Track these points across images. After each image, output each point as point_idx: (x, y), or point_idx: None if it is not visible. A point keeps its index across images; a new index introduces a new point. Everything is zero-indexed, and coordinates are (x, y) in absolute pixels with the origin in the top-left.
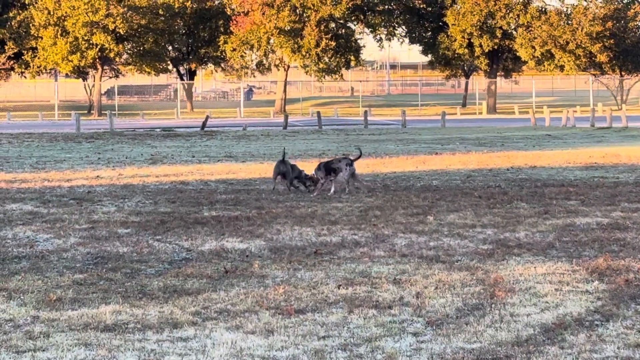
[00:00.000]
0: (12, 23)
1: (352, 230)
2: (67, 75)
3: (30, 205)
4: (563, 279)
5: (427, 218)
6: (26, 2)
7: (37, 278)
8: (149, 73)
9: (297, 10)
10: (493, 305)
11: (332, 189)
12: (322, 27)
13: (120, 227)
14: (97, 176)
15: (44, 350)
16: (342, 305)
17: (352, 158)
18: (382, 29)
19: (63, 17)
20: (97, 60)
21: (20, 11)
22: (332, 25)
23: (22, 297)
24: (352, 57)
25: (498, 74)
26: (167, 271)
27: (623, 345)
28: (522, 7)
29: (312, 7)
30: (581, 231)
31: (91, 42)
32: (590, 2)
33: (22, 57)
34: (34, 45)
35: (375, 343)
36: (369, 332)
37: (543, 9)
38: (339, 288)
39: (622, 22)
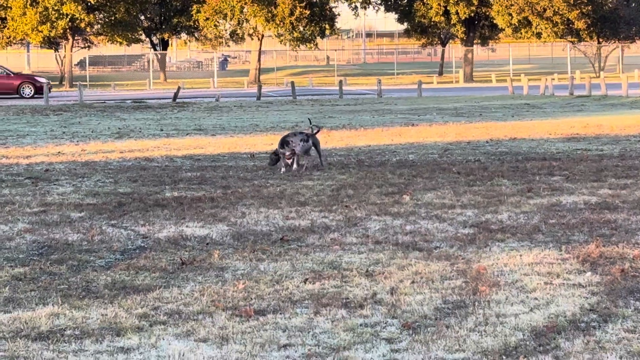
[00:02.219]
0: None
1: (322, 212)
2: (41, 46)
3: None
4: (552, 269)
5: (403, 198)
6: None
7: None
8: (120, 43)
9: None
10: (476, 303)
11: (297, 166)
12: None
13: (74, 210)
14: (59, 152)
15: None
16: (308, 305)
17: (309, 132)
18: None
19: None
20: (68, 30)
21: None
22: None
23: None
24: (327, 26)
25: (475, 41)
26: (117, 263)
27: (626, 353)
28: None
29: None
30: (568, 212)
31: (61, 12)
32: None
33: None
34: (3, 16)
35: (344, 353)
36: (337, 339)
37: None
38: (305, 283)
39: None
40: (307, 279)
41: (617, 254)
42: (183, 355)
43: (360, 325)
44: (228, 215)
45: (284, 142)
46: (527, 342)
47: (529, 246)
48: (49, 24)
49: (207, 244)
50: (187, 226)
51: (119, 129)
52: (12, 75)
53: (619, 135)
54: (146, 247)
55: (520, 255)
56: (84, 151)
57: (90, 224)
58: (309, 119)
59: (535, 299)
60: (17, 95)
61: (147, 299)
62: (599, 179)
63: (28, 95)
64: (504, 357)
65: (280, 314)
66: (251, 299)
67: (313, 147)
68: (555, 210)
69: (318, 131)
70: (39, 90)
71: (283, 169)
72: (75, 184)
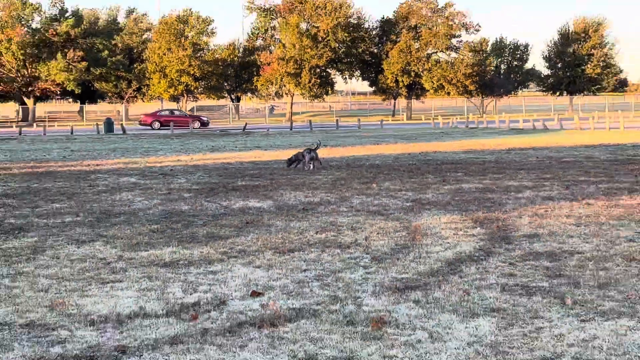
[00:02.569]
0: (135, 70)
1: (327, 193)
2: (169, 100)
3: (134, 178)
4: (458, 226)
5: (372, 185)
6: (143, 58)
7: (127, 228)
8: (213, 98)
9: (298, 62)
10: (414, 246)
11: (306, 167)
12: (312, 71)
13: (186, 192)
14: (178, 160)
15: (120, 282)
16: (318, 246)
17: (312, 148)
18: (347, 72)
19: (164, 67)
20: (184, 91)
21: (140, 64)
22: (318, 70)
23: (114, 242)
24: (329, 88)
25: (412, 97)
26: (210, 222)
27: (500, 274)
28: (426, 59)
29: (306, 60)
30: (466, 193)
31: (180, 81)
32: (465, 56)
33: (141, 90)
34: (148, 83)
35: (338, 275)
36: (335, 266)
37: (438, 61)
38: (316, 233)
39: (483, 66)
40: (317, 231)
41: (495, 217)
42: (246, 275)
43: (348, 258)
44: (273, 195)
45: (301, 154)
46: (444, 268)
47: (444, 213)
48: (173, 88)
49: (261, 211)
50: (250, 201)
51: (212, 146)
52: (187, 116)
53: (494, 149)
54: (226, 213)
55: (439, 218)
56: (192, 159)
57: (195, 200)
58: (318, 141)
59: (448, 243)
60: (189, 128)
61: (226, 243)
62: (483, 175)
63: (197, 127)
64: (430, 277)
65: (302, 252)
66: (285, 243)
67: (315, 157)
68: (459, 193)
69: (317, 147)
70: (202, 124)
71: (306, 167)
72: (187, 177)
